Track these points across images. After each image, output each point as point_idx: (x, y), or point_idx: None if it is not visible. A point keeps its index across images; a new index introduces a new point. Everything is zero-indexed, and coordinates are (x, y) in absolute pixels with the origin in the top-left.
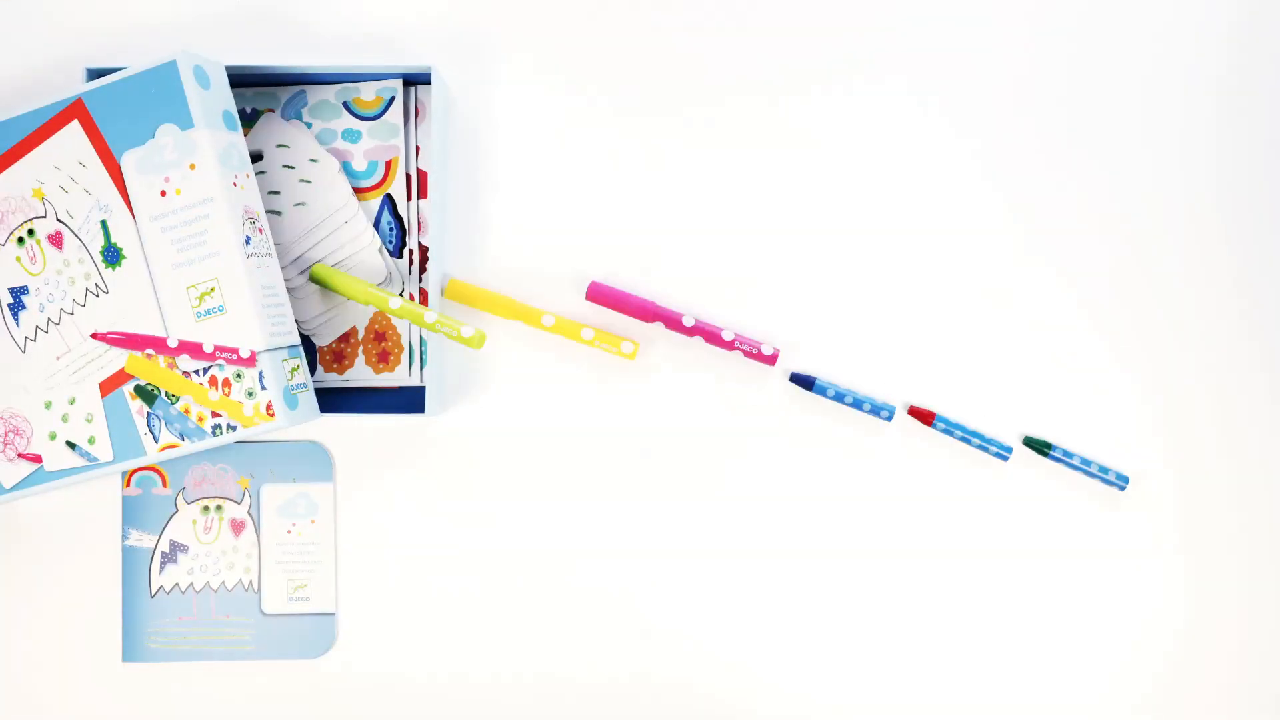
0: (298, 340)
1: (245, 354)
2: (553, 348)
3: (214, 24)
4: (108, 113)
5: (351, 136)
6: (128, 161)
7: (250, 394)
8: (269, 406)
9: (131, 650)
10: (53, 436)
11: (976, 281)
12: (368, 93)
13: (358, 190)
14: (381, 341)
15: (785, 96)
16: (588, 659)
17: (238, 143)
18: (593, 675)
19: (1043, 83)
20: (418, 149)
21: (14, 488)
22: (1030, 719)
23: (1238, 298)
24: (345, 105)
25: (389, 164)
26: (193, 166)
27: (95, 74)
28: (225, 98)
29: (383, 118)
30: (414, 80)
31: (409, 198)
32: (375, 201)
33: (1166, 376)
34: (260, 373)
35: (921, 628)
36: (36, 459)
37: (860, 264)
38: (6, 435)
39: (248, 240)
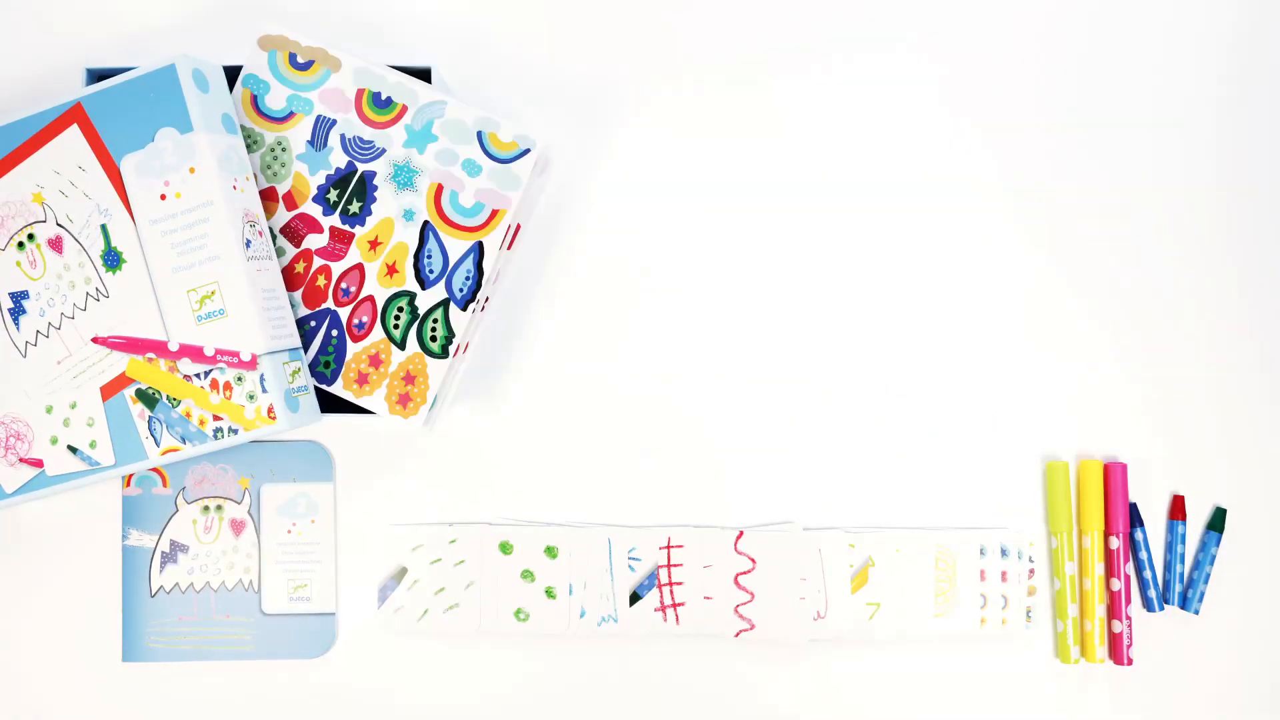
0: (299, 343)
1: (246, 357)
2: (551, 351)
3: (212, 25)
4: (107, 116)
5: (471, 169)
6: (127, 165)
7: (251, 397)
8: (270, 409)
9: (131, 650)
10: (54, 441)
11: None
12: (506, 133)
13: (456, 226)
14: (409, 384)
15: (799, 83)
16: (586, 658)
17: (237, 146)
18: (591, 675)
19: (1045, 75)
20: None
21: (15, 492)
22: None
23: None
24: (479, 136)
25: (495, 213)
26: (192, 170)
27: (95, 75)
28: (224, 101)
29: (509, 165)
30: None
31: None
32: (464, 243)
33: (1169, 372)
34: (261, 375)
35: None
36: (38, 463)
37: (867, 261)
38: (8, 440)
39: (248, 243)
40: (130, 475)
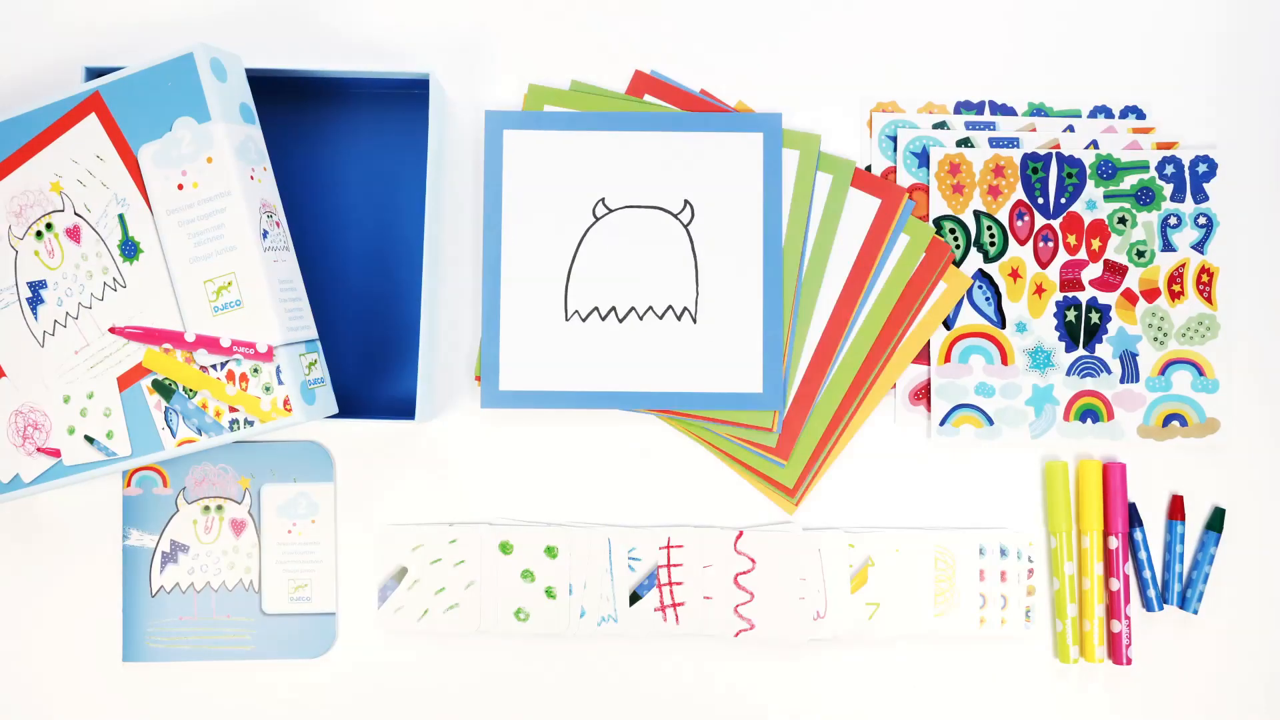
0: (315, 334)
1: (262, 348)
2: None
3: (210, 27)
4: (125, 106)
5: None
6: (145, 155)
7: (268, 389)
8: (286, 401)
9: (132, 650)
10: (71, 431)
11: None
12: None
13: None
14: None
15: (786, 110)
16: (586, 658)
17: (255, 136)
18: (591, 675)
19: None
20: None
21: (33, 481)
22: None
23: None
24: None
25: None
26: (210, 160)
27: (94, 73)
28: (242, 90)
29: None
30: (412, 86)
31: None
32: None
33: None
34: (278, 367)
35: None
36: (55, 453)
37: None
38: (26, 429)
39: (265, 234)
40: (131, 475)
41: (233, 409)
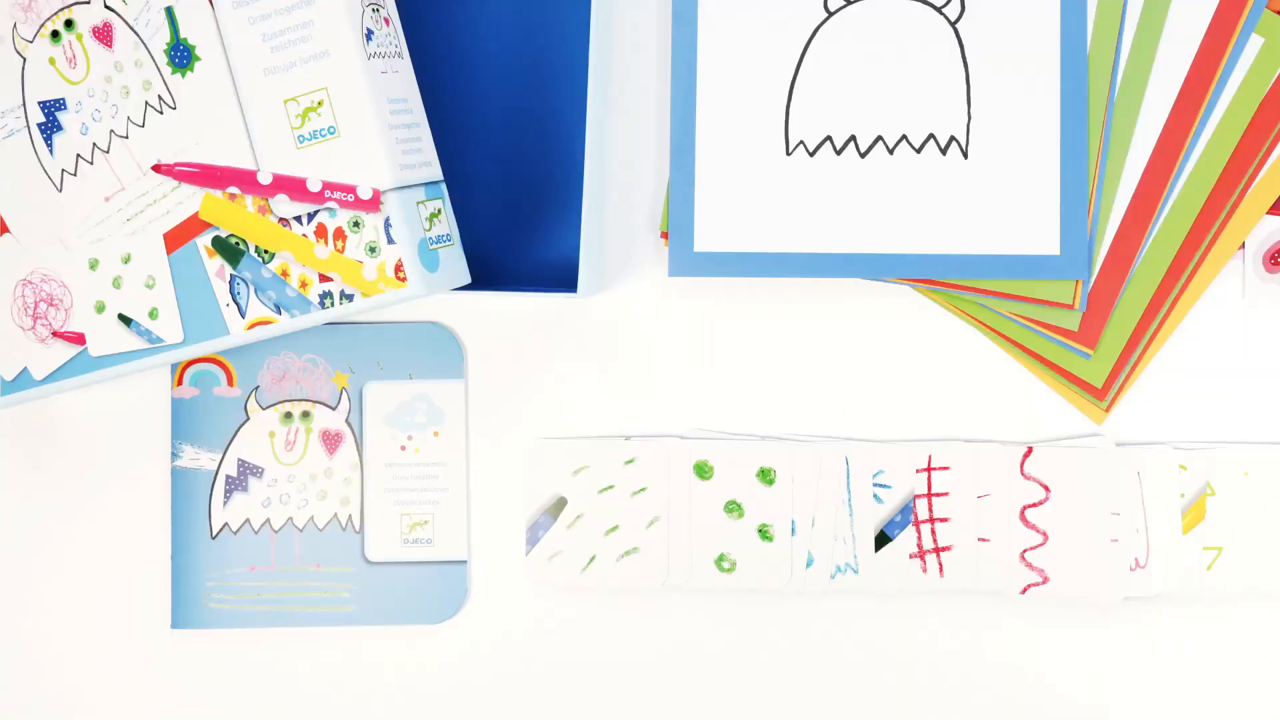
0: (440, 175)
1: (366, 194)
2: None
3: None
4: None
5: None
6: None
7: (373, 249)
8: (399, 267)
9: (184, 614)
10: (100, 308)
11: None
12: None
13: None
14: None
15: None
16: (815, 622)
17: None
18: (821, 645)
19: None
20: None
21: (46, 379)
22: None
23: None
24: None
25: None
26: None
27: None
28: None
29: None
30: None
31: None
32: None
33: None
34: (387, 220)
35: None
36: (79, 339)
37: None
38: (38, 306)
39: (369, 35)
40: (182, 369)
41: (324, 278)
